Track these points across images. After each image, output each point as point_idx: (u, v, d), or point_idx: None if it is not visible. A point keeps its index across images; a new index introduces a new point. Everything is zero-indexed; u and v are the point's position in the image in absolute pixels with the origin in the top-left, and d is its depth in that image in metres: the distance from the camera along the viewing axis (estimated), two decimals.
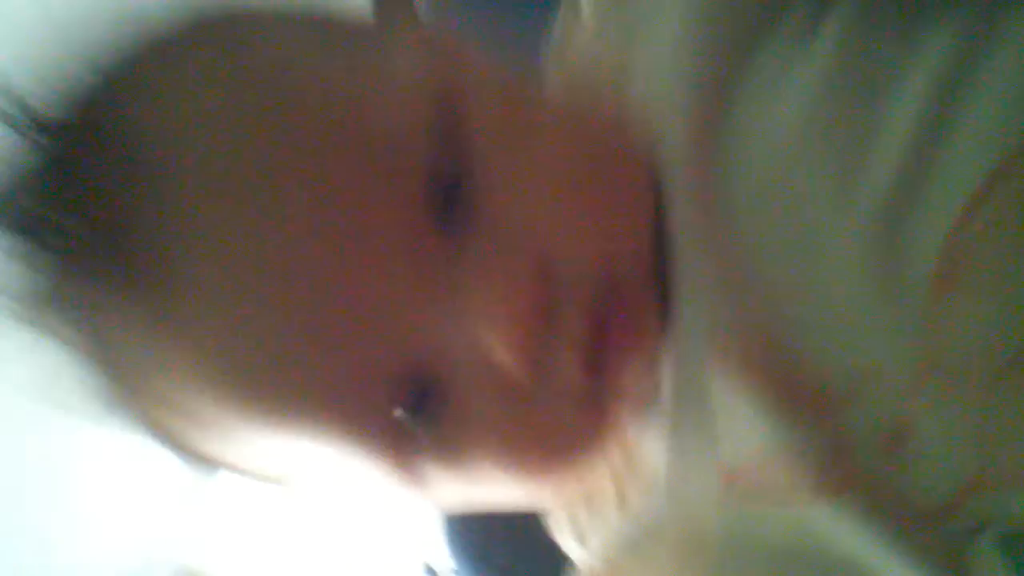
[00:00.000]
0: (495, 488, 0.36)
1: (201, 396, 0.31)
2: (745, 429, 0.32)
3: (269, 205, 0.28)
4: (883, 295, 0.30)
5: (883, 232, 0.31)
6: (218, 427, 0.33)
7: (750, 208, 0.33)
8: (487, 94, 0.32)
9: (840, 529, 0.31)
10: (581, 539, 0.42)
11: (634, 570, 0.38)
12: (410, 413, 0.31)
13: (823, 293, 0.31)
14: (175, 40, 0.31)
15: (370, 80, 0.31)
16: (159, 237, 0.29)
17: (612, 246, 0.32)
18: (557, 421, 0.33)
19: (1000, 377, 0.30)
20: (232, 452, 0.35)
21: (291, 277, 0.28)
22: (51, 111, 0.30)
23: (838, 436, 0.31)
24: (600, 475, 0.39)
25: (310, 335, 0.29)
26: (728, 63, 0.34)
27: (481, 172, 0.31)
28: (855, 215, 0.31)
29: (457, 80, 0.31)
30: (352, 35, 0.34)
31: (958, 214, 0.29)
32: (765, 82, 0.34)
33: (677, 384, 0.33)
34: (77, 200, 0.29)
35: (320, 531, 1.60)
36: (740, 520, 0.34)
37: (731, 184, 0.33)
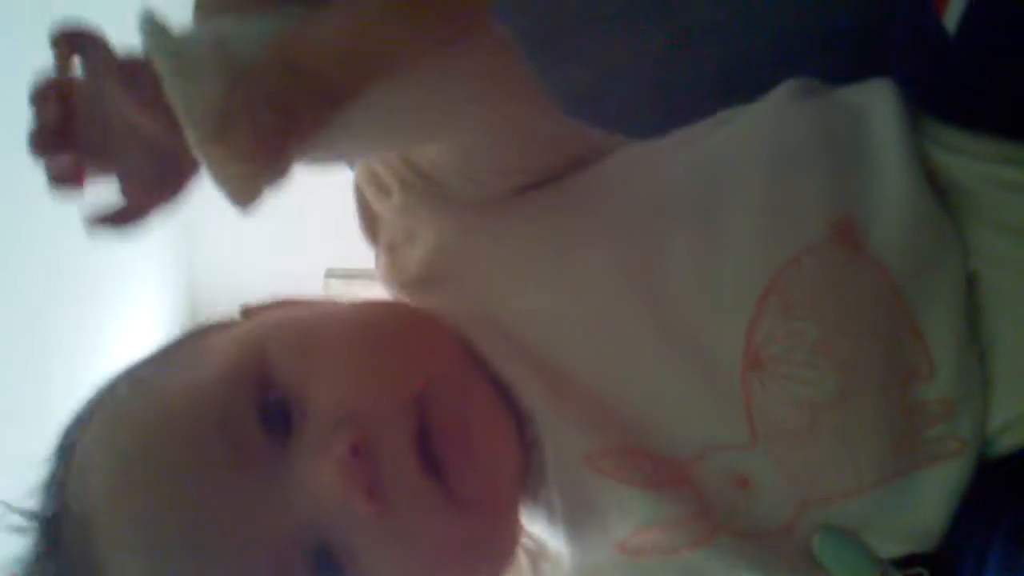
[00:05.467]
0: None
1: None
2: (625, 510, 0.41)
3: (152, 500, 0.37)
4: (706, 389, 0.40)
5: (692, 346, 0.40)
6: None
7: (578, 360, 0.42)
8: (278, 340, 0.41)
9: (720, 563, 0.41)
10: None
11: None
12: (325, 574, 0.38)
13: (663, 403, 0.41)
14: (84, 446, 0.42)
15: (202, 378, 0.40)
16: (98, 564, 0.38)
17: (414, 385, 0.39)
18: (430, 523, 0.39)
19: (805, 432, 0.39)
20: None
21: (189, 532, 0.37)
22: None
23: (697, 495, 0.40)
24: (516, 553, 0.46)
25: (219, 558, 0.37)
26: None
27: (292, 390, 0.38)
28: (668, 344, 0.40)
29: (259, 342, 0.40)
30: (183, 353, 0.44)
31: (752, 315, 0.39)
32: (553, 243, 0.44)
33: (561, 490, 0.41)
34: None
35: None
36: (634, 572, 0.42)
37: (556, 346, 0.42)
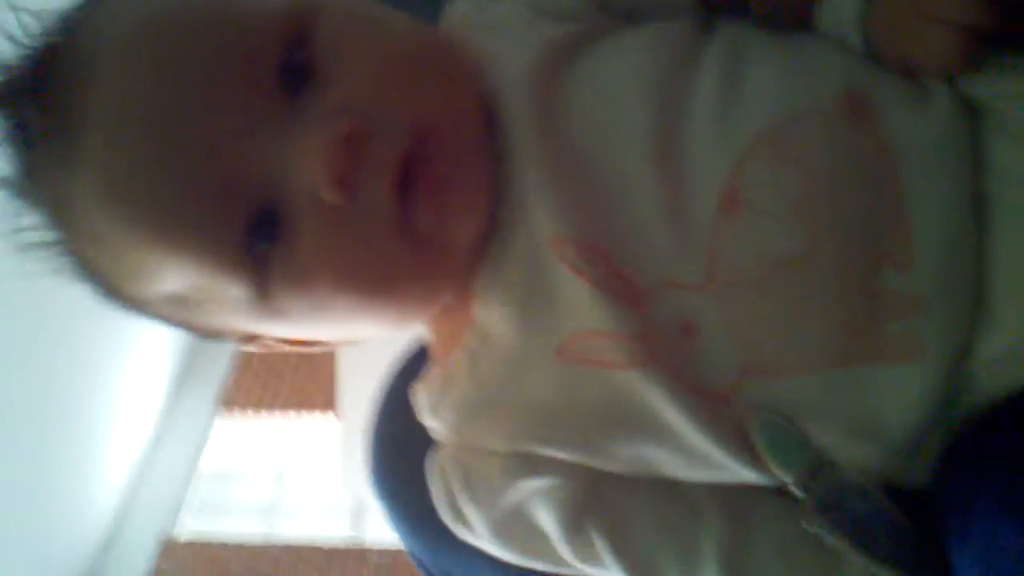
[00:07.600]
0: (339, 312, 0.43)
1: (108, 219, 0.40)
2: (574, 306, 0.41)
3: (156, 74, 0.39)
4: (675, 218, 0.40)
5: (678, 170, 0.40)
6: (122, 252, 0.42)
7: (581, 145, 0.42)
8: (337, 10, 0.42)
9: (646, 393, 0.40)
10: (434, 410, 0.47)
11: (475, 433, 0.46)
12: (257, 234, 0.39)
13: (629, 215, 0.40)
14: None
15: (254, 7, 0.41)
16: (82, 101, 0.39)
17: (425, 116, 0.40)
18: (376, 240, 0.40)
19: (761, 286, 0.39)
20: (136, 280, 0.43)
21: (164, 121, 0.39)
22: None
23: (645, 322, 0.40)
24: (455, 349, 0.45)
25: (176, 160, 0.39)
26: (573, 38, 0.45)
27: (324, 60, 0.40)
28: (659, 158, 0.40)
29: (319, 3, 0.42)
30: None
31: (742, 154, 0.39)
32: (605, 48, 0.44)
33: (523, 267, 0.42)
34: (38, 85, 0.41)
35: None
36: (568, 382, 0.42)
37: (569, 125, 0.42)
